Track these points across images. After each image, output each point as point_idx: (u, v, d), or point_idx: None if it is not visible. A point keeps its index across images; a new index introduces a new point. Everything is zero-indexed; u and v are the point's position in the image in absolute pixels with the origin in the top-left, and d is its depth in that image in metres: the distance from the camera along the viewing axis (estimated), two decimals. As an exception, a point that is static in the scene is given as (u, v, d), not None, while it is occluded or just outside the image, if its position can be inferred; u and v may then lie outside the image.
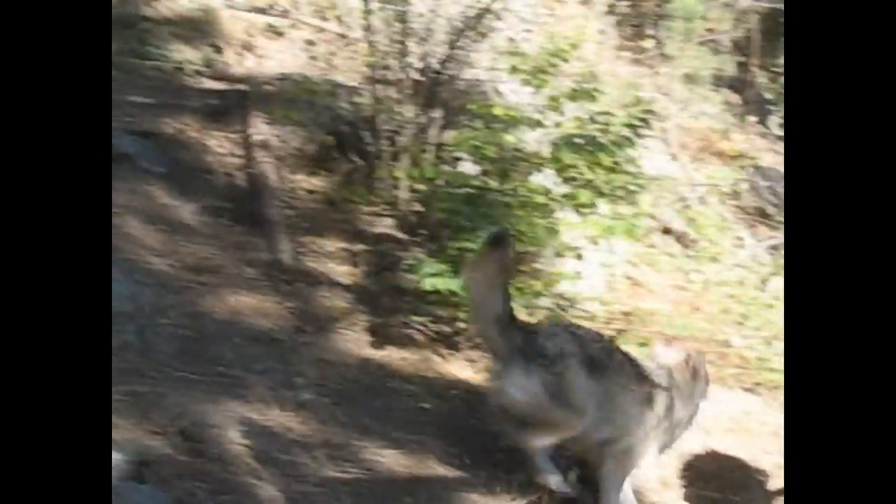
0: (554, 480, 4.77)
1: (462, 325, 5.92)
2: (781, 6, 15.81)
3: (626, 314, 6.66)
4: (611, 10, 10.86)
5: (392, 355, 5.76)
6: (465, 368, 5.82)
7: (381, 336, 5.85)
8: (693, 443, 5.95)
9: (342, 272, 6.41)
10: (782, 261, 8.95)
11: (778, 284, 8.39)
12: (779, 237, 9.88)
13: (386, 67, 6.91)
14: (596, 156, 6.01)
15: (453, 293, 5.64)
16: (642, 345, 6.04)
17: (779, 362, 7.20)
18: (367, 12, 6.96)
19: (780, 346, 7.40)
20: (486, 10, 6.92)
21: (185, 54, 8.17)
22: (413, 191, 6.64)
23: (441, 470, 4.90)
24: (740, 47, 14.01)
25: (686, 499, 5.50)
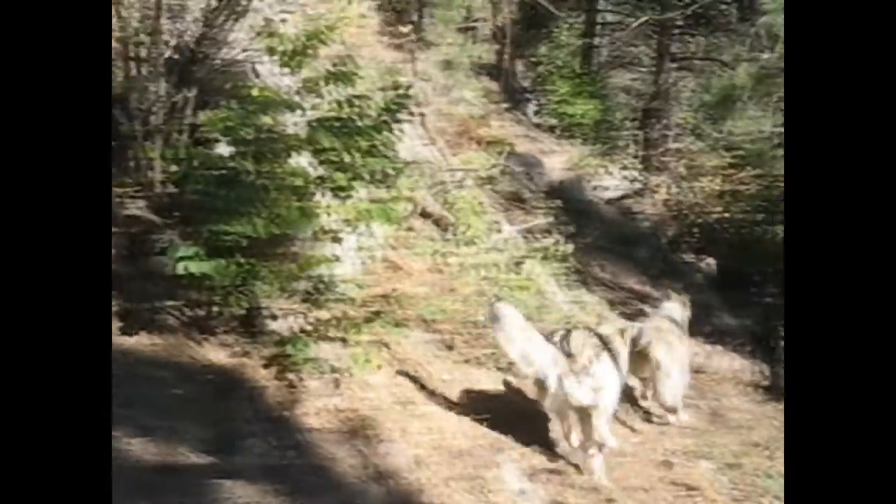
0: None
1: (216, 308, 5.82)
2: (537, -3, 16.37)
3: (384, 297, 6.72)
4: (373, -6, 10.91)
5: (143, 341, 5.61)
6: (219, 352, 5.73)
7: (132, 321, 5.67)
8: (448, 422, 6.09)
9: (91, 255, 6.16)
10: (536, 244, 9.29)
11: (531, 267, 8.70)
12: (532, 221, 10.25)
13: (138, 44, 6.66)
14: (353, 139, 6.02)
15: (207, 276, 5.54)
16: (398, 326, 6.13)
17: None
18: (118, -15, 6.70)
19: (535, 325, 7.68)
20: (244, -11, 6.80)
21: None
22: (166, 172, 6.45)
23: (192, 457, 4.80)
24: (498, 36, 14.45)
25: (441, 480, 5.60)
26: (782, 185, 12.11)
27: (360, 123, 6.10)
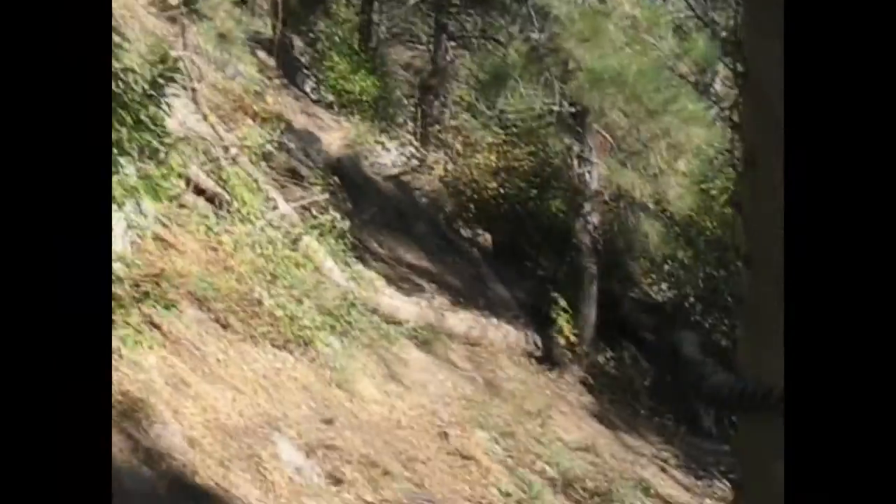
0: None
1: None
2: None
3: (155, 276, 6.53)
4: (140, -36, 10.56)
5: None
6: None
7: None
8: (222, 402, 6.02)
9: None
10: (313, 221, 9.28)
11: (308, 244, 8.69)
12: (310, 197, 10.21)
13: None
14: (118, 113, 5.80)
15: None
16: (168, 307, 5.98)
17: (308, 319, 7.45)
18: None
19: (309, 303, 7.67)
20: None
21: None
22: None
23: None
24: (275, 11, 14.27)
25: (216, 460, 5.53)
26: (554, 161, 12.53)
27: (126, 98, 5.88)
